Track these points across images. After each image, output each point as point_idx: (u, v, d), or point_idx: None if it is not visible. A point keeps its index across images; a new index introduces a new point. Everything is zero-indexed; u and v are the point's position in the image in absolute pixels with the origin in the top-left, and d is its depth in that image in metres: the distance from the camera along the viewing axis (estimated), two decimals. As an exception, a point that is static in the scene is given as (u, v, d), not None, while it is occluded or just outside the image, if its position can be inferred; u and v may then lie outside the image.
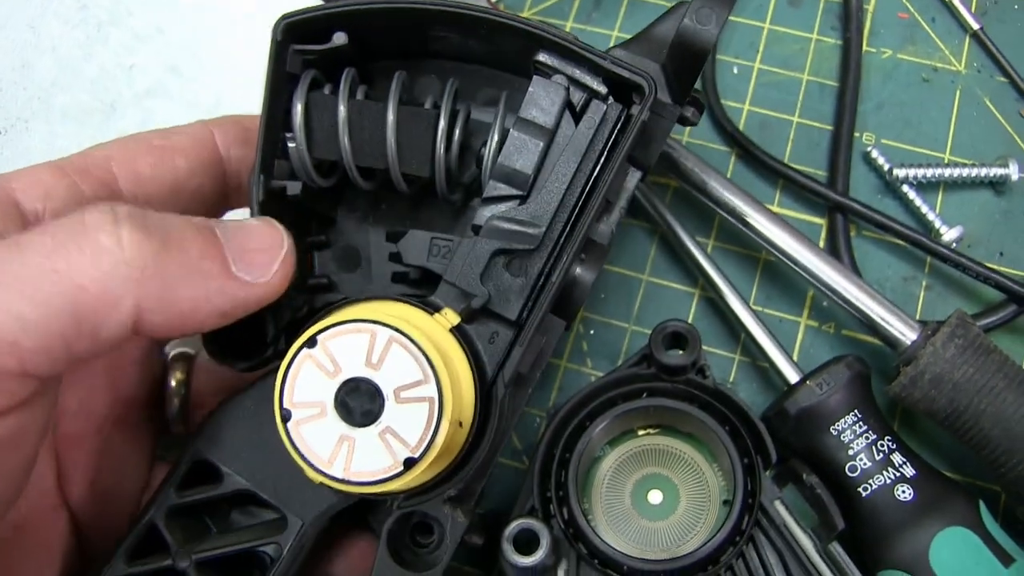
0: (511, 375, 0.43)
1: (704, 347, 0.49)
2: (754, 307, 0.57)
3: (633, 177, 0.48)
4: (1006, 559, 0.48)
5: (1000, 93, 0.63)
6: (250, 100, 0.69)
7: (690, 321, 0.60)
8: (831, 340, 0.59)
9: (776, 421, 0.53)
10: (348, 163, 0.44)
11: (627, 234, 0.62)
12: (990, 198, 0.60)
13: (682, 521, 0.50)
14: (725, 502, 0.49)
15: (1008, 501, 0.52)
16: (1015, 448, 0.49)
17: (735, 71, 0.65)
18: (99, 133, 0.69)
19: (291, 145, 0.44)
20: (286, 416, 0.41)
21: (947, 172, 0.59)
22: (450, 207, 0.47)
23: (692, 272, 0.61)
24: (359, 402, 0.40)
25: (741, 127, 0.63)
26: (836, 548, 0.46)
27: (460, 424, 0.42)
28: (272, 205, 0.44)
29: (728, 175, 0.62)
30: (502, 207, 0.44)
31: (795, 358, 0.56)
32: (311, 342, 0.41)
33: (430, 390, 0.40)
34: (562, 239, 0.44)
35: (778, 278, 0.60)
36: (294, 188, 0.45)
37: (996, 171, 0.59)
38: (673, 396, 0.50)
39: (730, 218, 0.57)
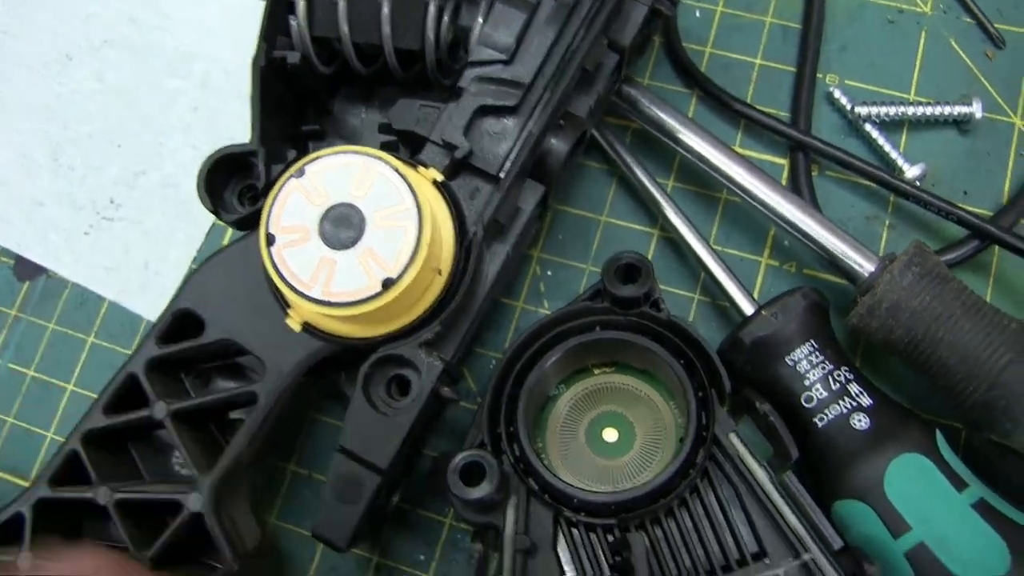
0: (488, 219, 0.47)
1: (663, 287, 0.50)
2: (714, 247, 0.57)
3: (611, 59, 0.52)
4: (960, 484, 0.47)
5: (966, 34, 0.62)
6: (209, 51, 0.69)
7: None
8: (792, 280, 0.58)
9: (731, 352, 0.52)
10: (345, 40, 0.48)
11: (586, 175, 0.62)
12: (955, 137, 0.60)
13: (637, 459, 0.49)
14: (682, 440, 0.47)
15: (967, 432, 0.51)
16: (972, 375, 0.48)
17: (697, 15, 0.64)
18: (55, 83, 0.69)
19: (293, 23, 0.48)
20: (271, 240, 0.44)
21: (910, 110, 0.59)
22: (441, 94, 0.50)
23: (651, 213, 0.60)
24: (342, 226, 0.43)
25: (703, 69, 0.63)
26: (790, 478, 0.45)
27: (439, 272, 0.46)
28: (272, 77, 0.48)
29: (690, 116, 0.62)
30: (487, 69, 0.48)
31: (756, 297, 0.55)
32: (300, 172, 0.44)
33: (410, 216, 0.43)
34: (541, 101, 0.48)
35: (739, 218, 0.60)
36: (293, 57, 0.48)
37: (959, 109, 0.58)
38: (626, 329, 0.48)
39: (690, 157, 0.57)
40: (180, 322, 0.49)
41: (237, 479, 0.48)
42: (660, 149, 0.61)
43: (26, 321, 0.66)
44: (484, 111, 0.48)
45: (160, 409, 0.47)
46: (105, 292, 0.66)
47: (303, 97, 0.52)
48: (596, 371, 0.51)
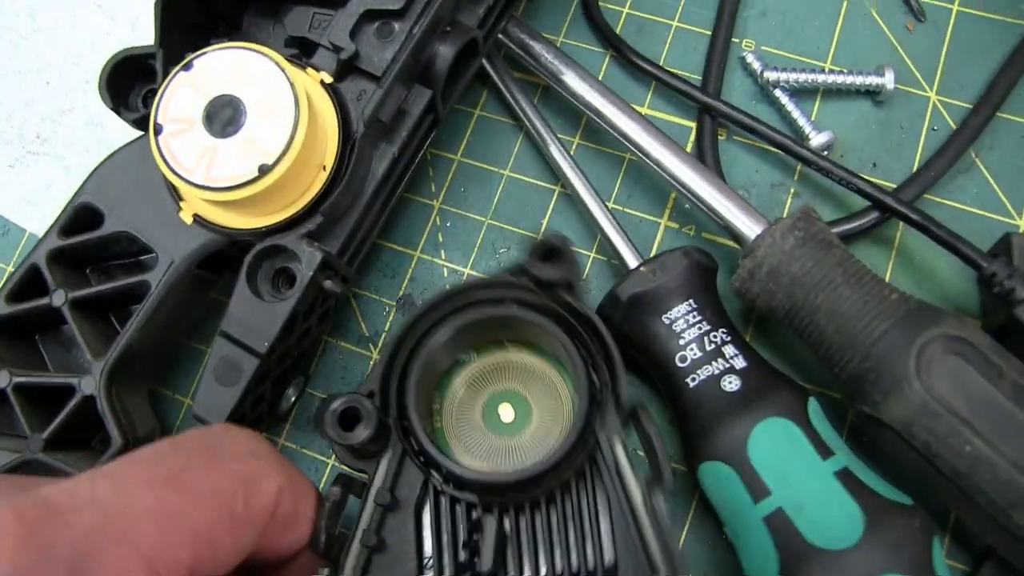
0: (369, 116, 0.48)
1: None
2: (614, 206, 0.56)
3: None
4: (825, 452, 0.46)
5: (888, 5, 0.61)
6: None
7: (547, 218, 0.59)
8: (691, 242, 0.58)
9: (609, 308, 0.52)
10: None
11: (492, 129, 0.61)
12: (868, 108, 0.59)
13: (527, 443, 0.46)
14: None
15: (845, 402, 0.51)
16: (847, 345, 0.47)
17: (620, -31, 0.64)
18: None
19: None
20: (158, 130, 0.46)
21: (819, 78, 0.58)
22: (340, 5, 0.51)
23: (553, 170, 0.59)
24: (225, 116, 0.46)
25: (618, 30, 0.62)
26: (658, 502, 0.43)
27: (324, 168, 0.48)
28: None
29: (601, 77, 0.61)
30: None
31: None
32: (188, 66, 0.47)
33: (288, 108, 0.45)
34: (426, 6, 0.50)
35: (642, 179, 0.59)
36: None
37: (872, 80, 0.57)
38: (539, 311, 0.45)
39: (592, 116, 0.56)
40: (81, 216, 0.52)
41: (132, 367, 0.51)
42: (568, 107, 0.60)
43: (-53, 249, 0.67)
44: (371, 15, 0.50)
45: (59, 297, 0.50)
46: (26, 224, 0.67)
47: (212, 12, 0.54)
48: (510, 347, 0.48)
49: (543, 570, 0.42)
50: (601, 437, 0.43)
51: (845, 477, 0.46)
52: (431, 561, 0.42)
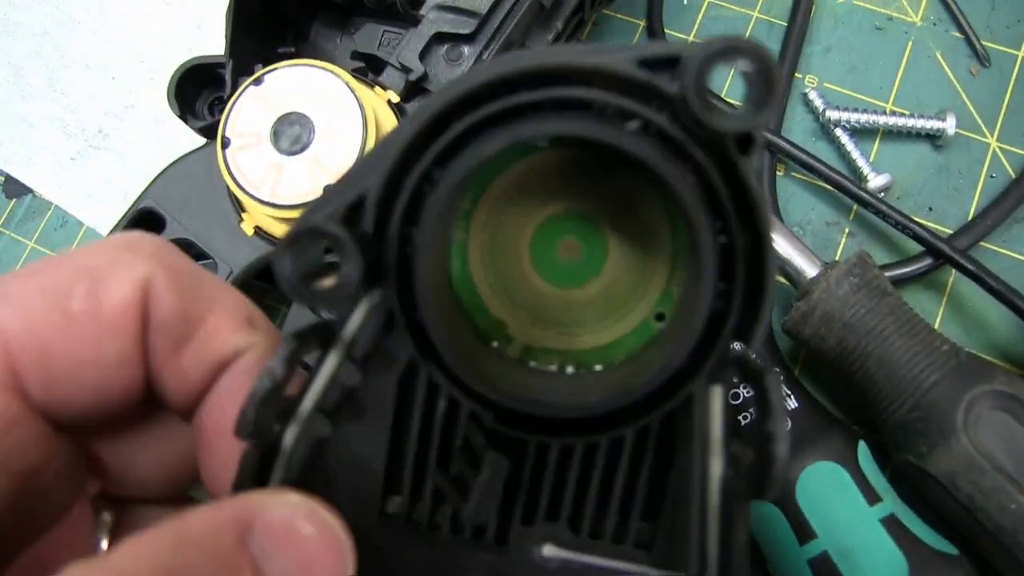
0: None
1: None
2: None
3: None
4: (873, 498, 0.47)
5: (952, 48, 0.61)
6: None
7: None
8: (743, 276, 0.58)
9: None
10: None
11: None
12: (927, 152, 0.59)
13: (590, 304, 0.32)
14: (659, 316, 0.32)
15: (889, 449, 0.51)
16: (896, 393, 0.48)
17: (685, 2, 0.64)
18: (56, 10, 0.71)
19: None
20: (226, 143, 0.47)
21: (881, 119, 0.58)
22: (413, 25, 0.52)
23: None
24: (292, 133, 0.46)
25: (683, 58, 0.62)
26: (743, 511, 0.29)
27: None
28: None
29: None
30: None
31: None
32: (258, 81, 0.48)
33: (356, 128, 0.46)
34: (497, 31, 0.50)
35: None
36: None
37: (932, 123, 0.58)
38: (669, 152, 0.26)
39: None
40: (143, 220, 0.53)
41: None
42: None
43: (8, 236, 0.68)
44: (441, 38, 0.51)
45: None
46: (84, 218, 0.68)
47: (282, 20, 0.55)
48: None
49: (557, 516, 0.31)
50: (698, 385, 0.28)
51: (891, 524, 0.46)
52: (407, 456, 0.31)
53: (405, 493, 0.31)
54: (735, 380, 0.29)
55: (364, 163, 0.28)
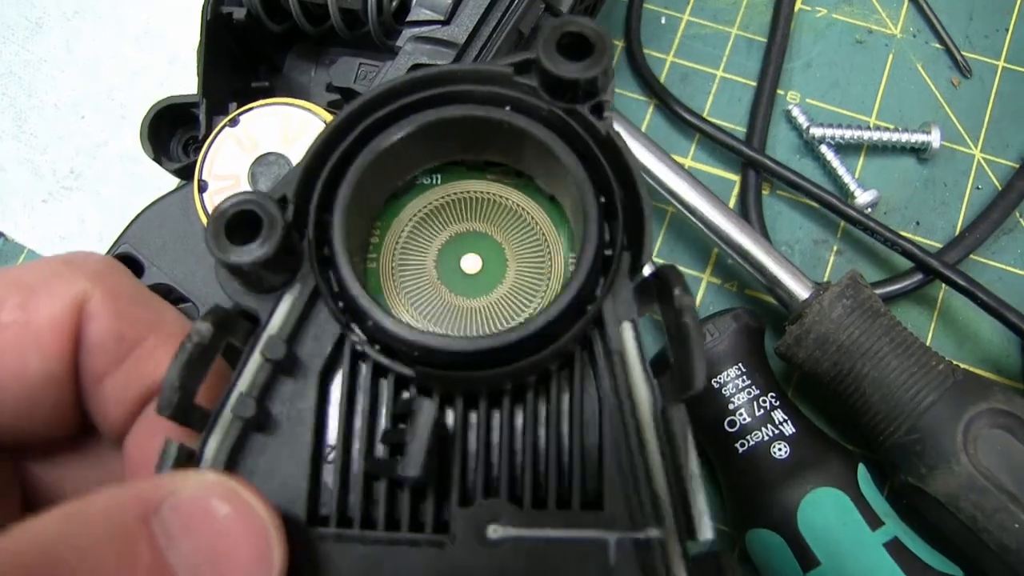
0: None
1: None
2: (656, 260, 0.56)
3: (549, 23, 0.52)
4: (875, 522, 0.47)
5: (933, 60, 0.61)
6: (179, 28, 0.69)
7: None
8: (733, 298, 0.58)
9: (656, 369, 0.52)
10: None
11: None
12: (912, 166, 0.59)
13: (497, 307, 0.35)
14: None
15: (887, 471, 0.51)
16: (893, 415, 0.48)
17: (663, 21, 0.63)
18: (23, 50, 0.69)
19: None
20: (203, 187, 0.46)
21: (865, 135, 0.58)
22: (388, 56, 0.51)
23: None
24: (271, 174, 0.45)
25: (663, 78, 0.62)
26: (679, 414, 0.29)
27: None
28: (221, 32, 0.49)
29: (644, 126, 0.61)
30: (424, 29, 0.49)
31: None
32: (234, 122, 0.46)
33: None
34: (476, 61, 0.49)
35: (684, 233, 0.59)
36: (240, 13, 0.49)
37: (917, 137, 0.57)
38: (543, 123, 0.32)
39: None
40: (122, 264, 0.51)
41: None
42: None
43: (-20, 284, 0.67)
44: (419, 68, 0.49)
45: None
46: (59, 261, 0.67)
47: (255, 55, 0.54)
48: (489, 176, 0.36)
49: (496, 490, 0.30)
50: (607, 312, 0.30)
51: (895, 548, 0.46)
52: (333, 452, 0.31)
53: (335, 488, 0.30)
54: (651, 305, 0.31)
55: (287, 174, 0.31)
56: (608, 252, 0.31)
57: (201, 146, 0.49)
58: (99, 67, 0.70)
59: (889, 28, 0.62)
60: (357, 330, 0.31)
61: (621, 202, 0.31)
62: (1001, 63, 0.60)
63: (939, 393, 0.47)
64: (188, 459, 0.29)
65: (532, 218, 0.35)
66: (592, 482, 0.30)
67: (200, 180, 0.46)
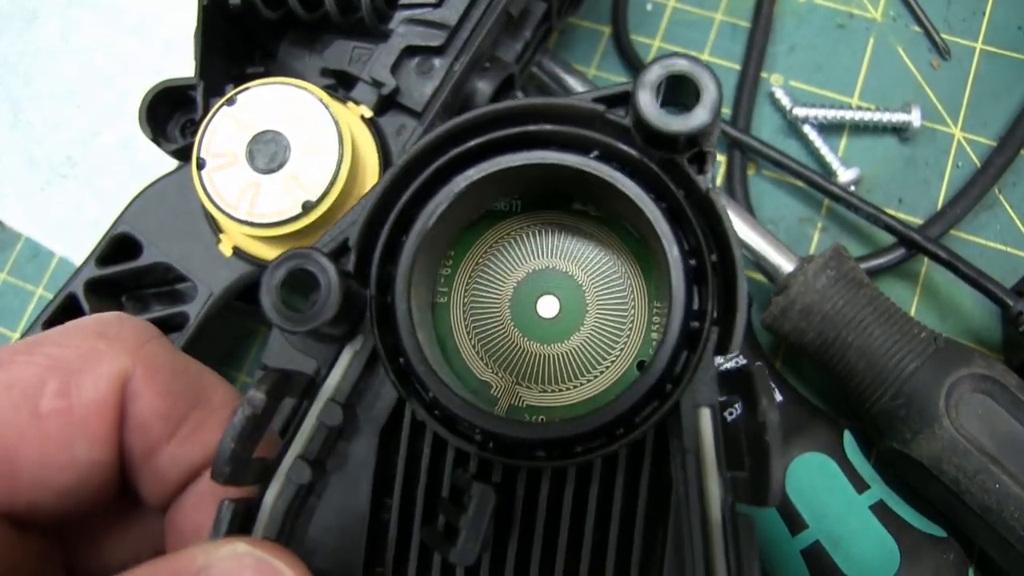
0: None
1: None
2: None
3: (539, 7, 0.54)
4: (861, 486, 0.48)
5: (913, 42, 0.62)
6: (174, 18, 0.70)
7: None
8: (721, 275, 0.59)
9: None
10: None
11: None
12: (894, 145, 0.60)
13: (572, 355, 0.33)
14: (640, 365, 0.33)
15: (873, 437, 0.52)
16: (877, 382, 0.49)
17: (648, 8, 0.65)
18: (20, 40, 0.70)
19: None
20: (201, 164, 0.46)
21: (847, 114, 0.59)
22: (382, 40, 0.52)
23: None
24: (268, 152, 0.46)
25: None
26: (747, 522, 0.28)
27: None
28: (217, 17, 0.50)
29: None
30: (416, 12, 0.50)
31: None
32: (231, 101, 0.47)
33: (332, 144, 0.45)
34: (467, 43, 0.50)
35: (673, 211, 0.60)
36: None
37: (898, 116, 0.59)
38: (633, 176, 0.29)
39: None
40: (119, 245, 0.52)
41: None
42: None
43: (-23, 272, 0.67)
44: (411, 51, 0.51)
45: None
46: (56, 248, 0.67)
47: (250, 40, 0.55)
48: (576, 205, 0.34)
49: (550, 571, 0.29)
50: (685, 399, 0.28)
51: (880, 510, 0.47)
52: (391, 514, 0.30)
53: (389, 556, 0.30)
54: (727, 398, 0.28)
55: (348, 214, 0.30)
56: (695, 324, 0.28)
57: (198, 127, 0.50)
58: (95, 56, 0.71)
59: (870, 12, 0.63)
60: (415, 401, 0.29)
61: (712, 267, 0.29)
62: (979, 45, 0.61)
63: (922, 360, 0.48)
64: (246, 517, 0.28)
65: (617, 259, 0.33)
66: (652, 568, 0.29)
67: (198, 158, 0.47)
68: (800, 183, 0.59)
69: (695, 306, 0.28)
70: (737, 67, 0.63)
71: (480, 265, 0.33)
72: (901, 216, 0.58)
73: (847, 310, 0.50)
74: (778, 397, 0.50)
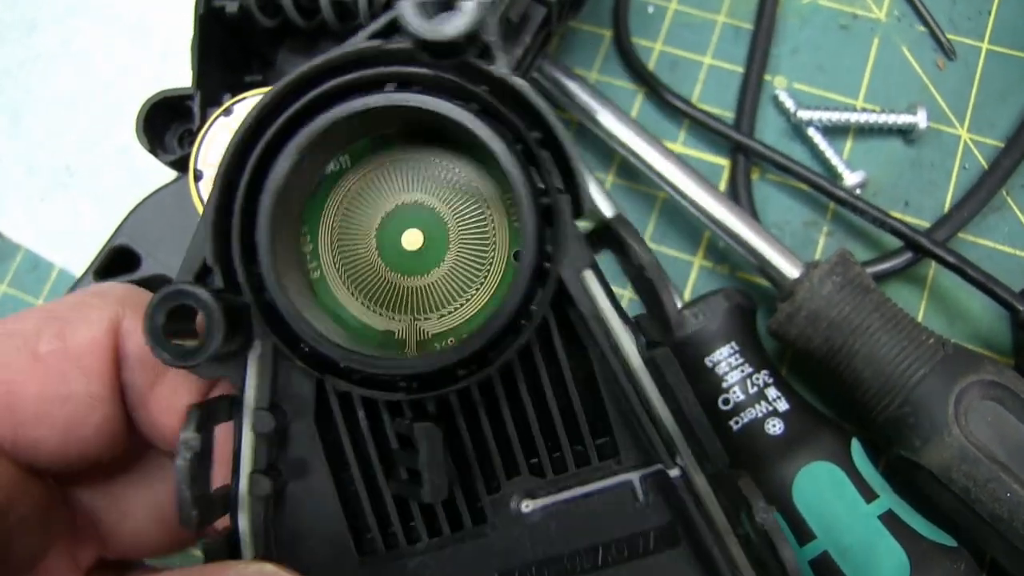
0: None
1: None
2: (649, 244, 0.57)
3: (538, 12, 0.53)
4: (869, 495, 0.47)
5: (918, 43, 0.62)
6: (172, 24, 0.70)
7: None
8: (725, 281, 0.58)
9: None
10: None
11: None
12: (900, 147, 0.60)
13: (447, 279, 0.34)
14: (516, 255, 0.33)
15: (881, 445, 0.51)
16: (885, 390, 0.48)
17: (650, 10, 0.64)
18: (20, 48, 0.70)
19: None
20: (199, 176, 0.45)
21: (852, 117, 0.58)
22: None
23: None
24: None
25: (651, 66, 0.63)
26: (666, 357, 0.30)
27: None
28: (213, 26, 0.50)
29: (634, 114, 0.62)
30: None
31: (687, 298, 0.56)
32: (228, 111, 0.46)
33: None
34: None
35: (676, 217, 0.60)
36: (232, 7, 0.49)
37: (904, 118, 0.58)
38: (434, 90, 0.30)
39: (626, 154, 0.57)
40: (117, 257, 0.51)
41: None
42: (602, 145, 0.61)
43: (-22, 283, 0.67)
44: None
45: None
46: (56, 259, 0.67)
47: (248, 49, 0.54)
48: (399, 143, 0.34)
49: (516, 468, 0.32)
50: (565, 271, 0.30)
51: (889, 520, 0.46)
52: (355, 483, 0.31)
53: (372, 522, 0.31)
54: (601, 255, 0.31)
55: (194, 238, 0.30)
56: (546, 200, 0.29)
57: (195, 137, 0.50)
58: (94, 62, 0.71)
59: (874, 12, 0.63)
60: (333, 374, 0.30)
61: (540, 143, 0.30)
62: (985, 44, 0.61)
63: (930, 366, 0.47)
64: (231, 547, 0.30)
65: (463, 177, 0.33)
66: (602, 435, 0.31)
67: (195, 169, 0.47)
68: (805, 187, 0.58)
69: (540, 185, 0.29)
70: (740, 70, 0.62)
71: (335, 228, 0.33)
72: (907, 219, 0.57)
73: (854, 316, 0.49)
74: (784, 405, 0.50)
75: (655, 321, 0.29)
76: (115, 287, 0.34)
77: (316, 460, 0.31)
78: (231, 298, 0.29)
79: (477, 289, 0.33)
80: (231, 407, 0.31)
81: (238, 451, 0.30)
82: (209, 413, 0.29)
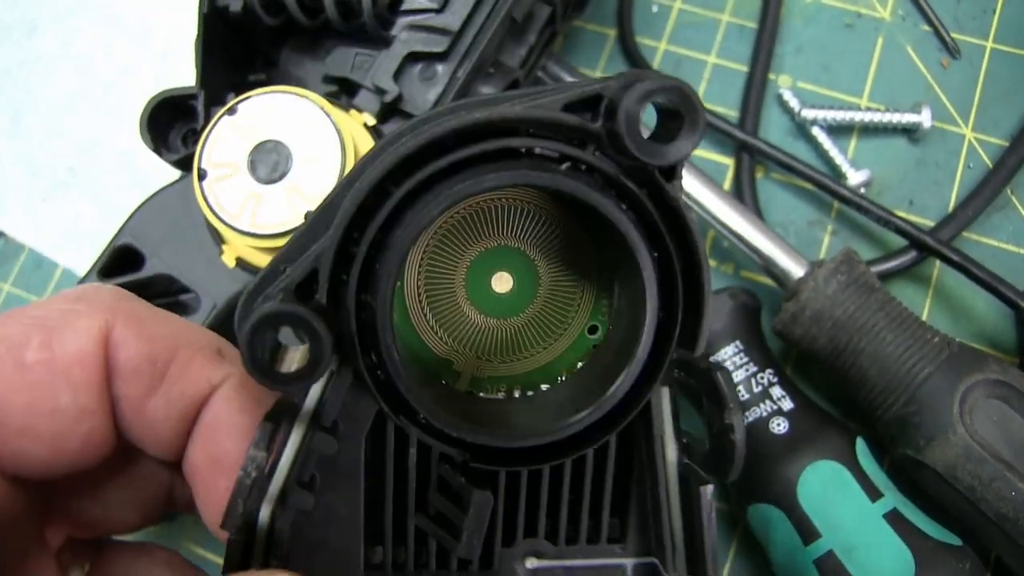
0: None
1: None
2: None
3: (543, 10, 0.54)
4: (875, 494, 0.47)
5: (923, 41, 0.61)
6: (172, 25, 0.69)
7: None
8: (729, 280, 0.58)
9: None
10: None
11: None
12: (904, 146, 0.59)
13: (524, 330, 0.34)
14: (591, 329, 0.35)
15: (886, 444, 0.51)
16: (890, 388, 0.48)
17: (654, 9, 0.64)
18: (20, 50, 0.70)
19: None
20: (203, 175, 0.46)
21: (856, 116, 0.58)
22: (384, 46, 0.51)
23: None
24: (270, 162, 0.46)
25: (656, 66, 0.63)
26: (705, 499, 0.32)
27: None
28: (217, 25, 0.50)
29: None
30: (418, 17, 0.50)
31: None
32: (232, 110, 0.47)
33: (334, 153, 0.45)
34: (470, 48, 0.49)
35: (681, 216, 0.60)
36: (236, 5, 0.50)
37: (908, 117, 0.58)
38: (612, 190, 0.28)
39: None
40: (121, 257, 0.51)
41: None
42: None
43: (-19, 283, 0.67)
44: (414, 57, 0.50)
45: None
46: (60, 259, 0.67)
47: (251, 47, 0.54)
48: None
49: (535, 531, 0.33)
50: (653, 392, 0.31)
51: (894, 519, 0.46)
52: (385, 505, 0.32)
53: (387, 541, 0.32)
54: (690, 381, 0.31)
55: (299, 239, 0.29)
56: (663, 313, 0.29)
57: (199, 137, 0.50)
58: (94, 63, 0.71)
59: (878, 11, 0.63)
60: (404, 420, 0.30)
61: (681, 274, 0.29)
62: (989, 43, 0.61)
63: (935, 365, 0.47)
64: (255, 543, 0.30)
65: (565, 231, 0.33)
66: (619, 524, 0.34)
67: (199, 168, 0.47)
68: (809, 186, 0.58)
69: (664, 309, 0.29)
70: (744, 69, 0.62)
71: (433, 243, 0.33)
72: (912, 218, 0.57)
73: (858, 315, 0.49)
74: (789, 404, 0.50)
75: (714, 465, 0.31)
76: (102, 290, 0.33)
77: (353, 476, 0.31)
78: (335, 324, 0.28)
79: (544, 349, 0.34)
80: (293, 419, 0.30)
81: (278, 459, 0.30)
82: (278, 428, 0.30)
